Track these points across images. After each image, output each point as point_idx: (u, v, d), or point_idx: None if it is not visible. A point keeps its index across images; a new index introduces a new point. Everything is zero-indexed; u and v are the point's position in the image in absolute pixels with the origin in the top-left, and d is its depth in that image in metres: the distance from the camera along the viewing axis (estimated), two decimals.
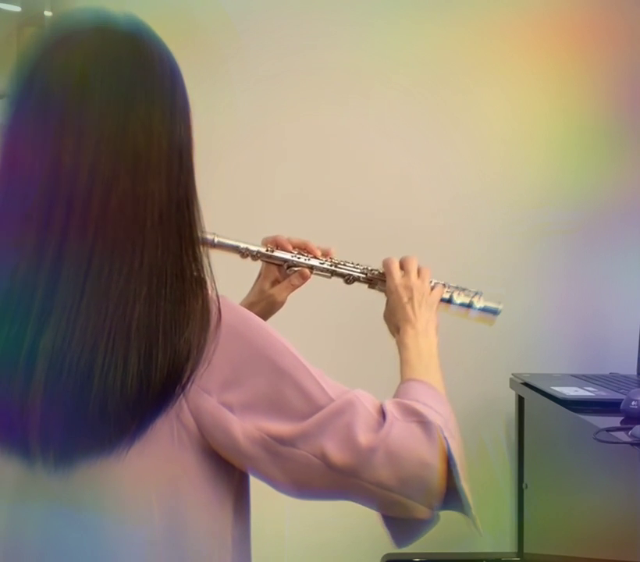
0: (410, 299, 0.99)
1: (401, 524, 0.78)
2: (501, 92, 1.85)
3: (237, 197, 1.79)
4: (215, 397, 0.71)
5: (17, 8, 1.88)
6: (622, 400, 1.19)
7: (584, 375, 1.60)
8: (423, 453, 0.74)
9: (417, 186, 1.86)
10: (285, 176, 1.85)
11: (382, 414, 0.75)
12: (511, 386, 1.70)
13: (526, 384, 1.60)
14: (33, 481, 0.72)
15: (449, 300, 1.06)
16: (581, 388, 1.42)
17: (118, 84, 0.71)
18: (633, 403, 1.16)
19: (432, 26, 1.84)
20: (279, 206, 1.82)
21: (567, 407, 1.31)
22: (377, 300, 1.05)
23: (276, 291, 1.05)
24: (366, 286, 1.06)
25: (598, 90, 1.83)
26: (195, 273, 0.73)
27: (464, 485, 0.76)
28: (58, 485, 0.71)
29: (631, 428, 1.06)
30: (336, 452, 0.71)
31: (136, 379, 0.68)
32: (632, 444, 1.02)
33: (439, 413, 0.78)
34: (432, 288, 1.03)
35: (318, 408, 0.72)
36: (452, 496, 0.76)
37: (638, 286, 1.82)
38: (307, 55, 1.84)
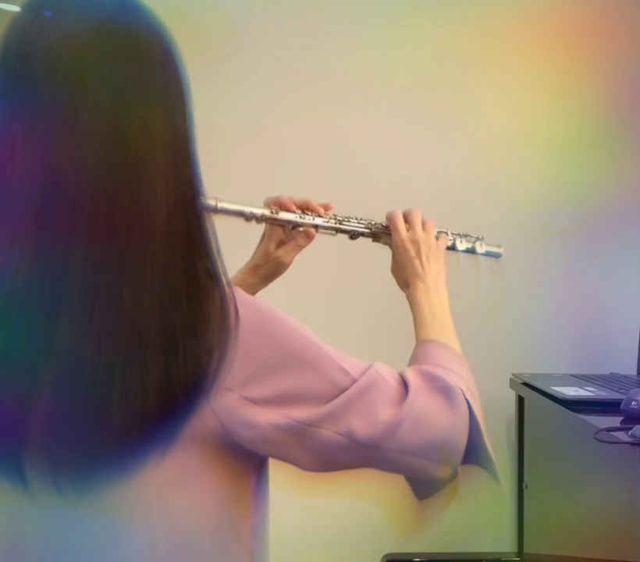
0: (418, 253, 0.98)
1: (422, 481, 0.79)
2: (501, 92, 1.85)
3: (237, 197, 1.78)
4: (237, 393, 0.68)
5: (17, 9, 1.88)
6: (622, 400, 1.19)
7: (584, 375, 1.60)
8: (447, 419, 0.75)
9: (417, 185, 1.86)
10: (285, 176, 1.84)
11: (404, 384, 0.75)
12: (511, 386, 1.70)
13: (526, 384, 1.60)
14: (46, 504, 0.68)
15: (453, 248, 1.06)
16: (581, 388, 1.42)
17: (113, 80, 0.66)
18: (633, 403, 1.16)
19: (432, 26, 1.84)
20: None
21: (567, 407, 1.31)
22: (383, 256, 1.04)
23: (282, 253, 1.03)
24: (370, 240, 1.05)
25: (598, 90, 1.83)
26: (208, 268, 0.69)
27: (487, 442, 0.78)
28: (75, 507, 0.68)
29: (631, 428, 1.06)
30: (362, 429, 0.71)
31: (157, 402, 0.64)
32: (632, 444, 1.02)
33: (460, 375, 0.80)
34: (437, 239, 1.03)
35: (342, 390, 0.71)
36: (474, 452, 0.78)
37: (638, 286, 1.82)
38: (307, 55, 1.84)
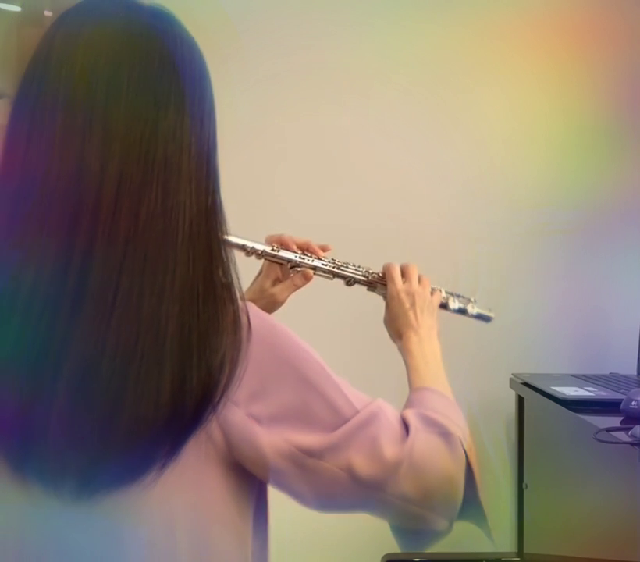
0: (413, 305, 0.99)
1: (413, 534, 0.78)
2: (501, 92, 1.85)
3: (237, 197, 1.78)
4: (243, 409, 0.68)
5: (17, 8, 1.88)
6: (622, 400, 1.19)
7: (584, 375, 1.60)
8: (446, 466, 0.73)
9: (417, 186, 1.86)
10: (285, 176, 1.85)
11: (404, 425, 0.74)
12: (511, 386, 1.70)
13: (526, 384, 1.60)
14: (48, 505, 0.68)
15: (445, 306, 1.07)
16: (581, 388, 1.42)
17: (147, 87, 0.67)
18: (633, 403, 1.16)
19: (432, 26, 1.84)
20: (278, 206, 1.82)
21: (567, 407, 1.31)
22: (378, 303, 1.05)
23: (277, 290, 1.04)
24: (365, 288, 1.06)
25: (598, 90, 1.83)
26: (224, 281, 0.70)
27: (481, 497, 0.77)
28: (76, 510, 0.67)
29: (631, 428, 1.06)
30: (362, 465, 0.70)
31: (168, 406, 0.64)
32: (632, 444, 1.02)
33: (457, 424, 0.78)
34: (431, 294, 1.03)
35: (345, 420, 0.71)
36: (468, 506, 0.76)
37: (638, 286, 1.82)
38: (307, 55, 1.84)
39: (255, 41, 1.83)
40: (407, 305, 0.99)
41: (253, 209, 1.82)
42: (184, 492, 0.69)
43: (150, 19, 0.71)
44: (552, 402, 1.38)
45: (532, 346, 1.84)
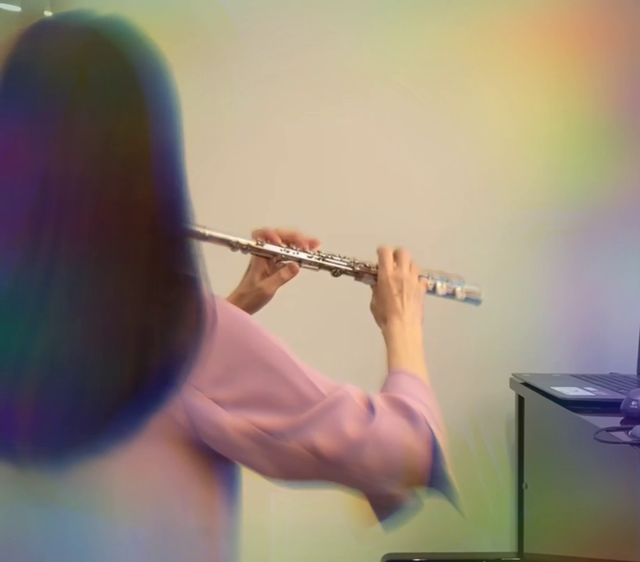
0: (400, 291, 1.02)
1: (383, 501, 0.80)
2: (501, 92, 1.85)
3: (237, 197, 1.79)
4: (207, 394, 0.71)
5: (17, 8, 1.88)
6: (622, 400, 1.19)
7: (584, 375, 1.60)
8: (409, 443, 0.77)
9: (417, 186, 1.86)
10: (285, 176, 1.85)
11: (371, 407, 0.77)
12: (511, 386, 1.70)
13: (526, 384, 1.60)
14: (22, 482, 0.72)
15: (434, 292, 1.09)
16: (581, 388, 1.42)
17: (104, 90, 0.71)
18: (633, 403, 1.16)
19: (432, 26, 1.84)
20: (278, 206, 1.82)
21: (567, 407, 1.31)
22: (364, 292, 1.06)
23: (265, 284, 1.06)
24: (353, 278, 1.08)
25: (598, 90, 1.83)
26: (188, 271, 0.74)
27: (450, 471, 0.80)
28: (48, 485, 0.72)
29: (631, 428, 1.06)
30: (326, 445, 0.73)
31: (130, 383, 0.68)
32: (632, 444, 1.02)
33: (426, 404, 0.82)
34: (419, 280, 1.06)
35: (310, 404, 0.74)
36: (438, 480, 0.79)
37: (638, 286, 1.82)
38: (307, 55, 1.85)
39: (255, 41, 1.83)
40: (395, 291, 1.02)
41: (253, 209, 1.82)
42: (151, 470, 0.72)
43: (103, 25, 0.74)
44: (552, 402, 1.38)
45: (532, 346, 1.84)
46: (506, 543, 1.79)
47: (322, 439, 0.73)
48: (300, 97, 1.85)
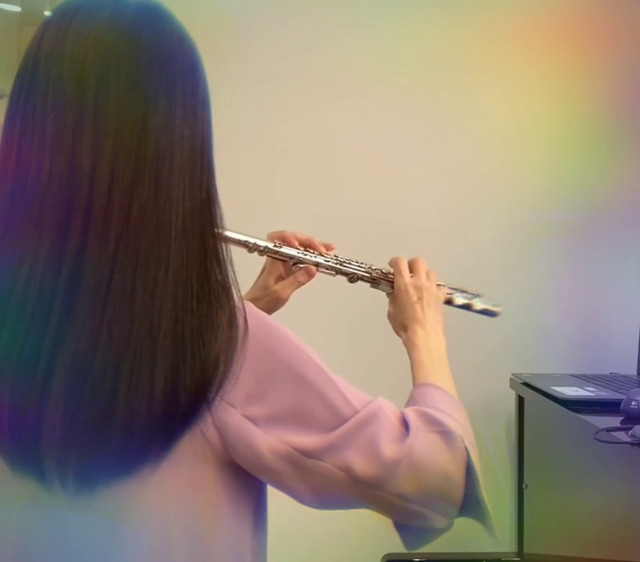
0: (420, 299, 0.97)
1: (414, 530, 0.76)
2: (501, 92, 1.85)
3: (237, 198, 1.78)
4: (240, 410, 0.68)
5: (17, 8, 1.88)
6: (622, 400, 1.19)
7: (584, 375, 1.60)
8: (446, 465, 0.72)
9: (417, 186, 1.86)
10: (284, 177, 1.85)
11: (404, 423, 0.73)
12: (511, 386, 1.70)
13: (526, 384, 1.60)
14: (47, 503, 0.68)
15: (450, 302, 1.06)
16: (581, 388, 1.42)
17: (136, 81, 0.67)
18: (633, 403, 1.16)
19: (432, 26, 1.84)
20: (278, 206, 1.82)
21: (567, 407, 1.31)
22: (380, 298, 1.05)
23: (280, 287, 1.02)
24: (369, 285, 1.05)
25: (598, 90, 1.83)
26: (220, 277, 0.70)
27: (484, 493, 0.76)
28: (75, 507, 0.68)
29: (631, 428, 1.06)
30: (361, 465, 0.69)
31: (162, 401, 0.64)
32: (632, 444, 1.02)
33: (459, 422, 0.77)
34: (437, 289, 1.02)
35: (344, 420, 0.70)
36: (470, 504, 0.75)
37: (638, 286, 1.82)
38: (307, 55, 1.84)
39: (255, 41, 1.83)
40: (414, 298, 0.97)
41: (252, 209, 1.82)
42: (180, 490, 0.69)
43: (136, 12, 0.70)
44: (552, 402, 1.38)
45: (532, 346, 1.84)
46: (506, 543, 1.79)
47: (356, 459, 0.69)
48: (300, 97, 1.84)
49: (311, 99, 1.84)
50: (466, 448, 0.74)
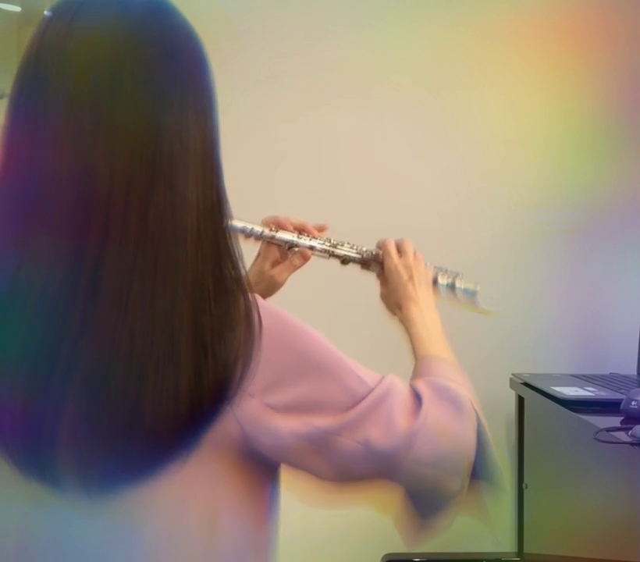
0: (411, 277, 1.01)
1: (427, 499, 0.79)
2: (501, 92, 1.85)
3: (236, 197, 1.78)
4: (259, 399, 0.69)
5: (17, 8, 1.88)
6: (622, 400, 1.19)
7: (584, 375, 1.60)
8: (459, 430, 0.76)
9: (417, 186, 1.86)
10: (284, 177, 1.85)
11: (416, 395, 0.76)
12: (511, 386, 1.70)
13: (526, 384, 1.60)
14: (49, 504, 0.68)
15: (435, 281, 1.09)
16: (581, 388, 1.42)
17: (149, 81, 0.65)
18: (633, 403, 1.16)
19: (432, 26, 1.84)
20: (278, 206, 1.81)
21: (567, 407, 1.31)
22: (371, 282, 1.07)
23: (277, 272, 1.04)
24: (359, 266, 1.08)
25: (598, 90, 1.83)
26: (234, 274, 0.70)
27: (493, 452, 0.80)
28: (82, 508, 0.68)
29: (631, 428, 1.06)
30: (379, 438, 0.71)
31: (187, 404, 0.64)
32: (632, 444, 1.02)
33: (466, 387, 0.82)
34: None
35: (360, 398, 0.72)
36: (481, 464, 0.79)
37: (638, 286, 1.82)
38: (307, 55, 1.85)
39: (255, 41, 1.83)
40: (405, 277, 1.01)
41: (252, 209, 1.81)
42: (198, 487, 0.69)
43: (143, 7, 0.68)
44: (552, 402, 1.38)
45: (532, 346, 1.84)
46: (506, 543, 1.79)
47: (376, 433, 0.71)
48: (300, 97, 1.84)
49: (311, 99, 1.84)
50: (475, 409, 0.79)
